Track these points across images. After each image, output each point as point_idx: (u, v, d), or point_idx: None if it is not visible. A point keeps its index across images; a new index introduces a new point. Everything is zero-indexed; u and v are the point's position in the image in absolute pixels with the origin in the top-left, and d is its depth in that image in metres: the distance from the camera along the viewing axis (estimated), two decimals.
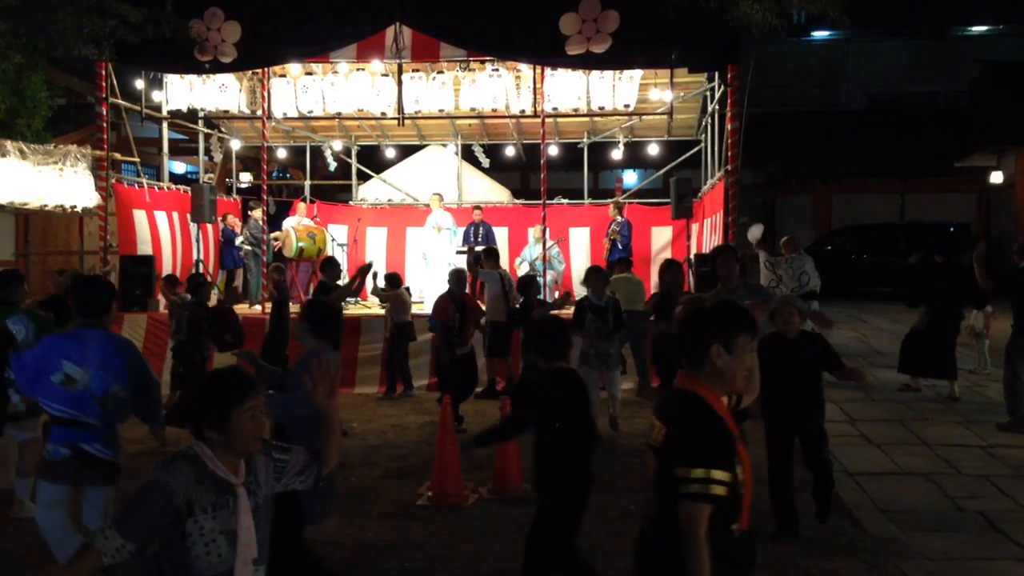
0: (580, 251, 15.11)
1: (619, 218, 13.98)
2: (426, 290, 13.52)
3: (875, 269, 20.36)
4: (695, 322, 3.05)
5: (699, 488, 2.73)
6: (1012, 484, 6.96)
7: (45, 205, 12.10)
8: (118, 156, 13.53)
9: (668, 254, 14.48)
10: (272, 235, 13.89)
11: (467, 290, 10.44)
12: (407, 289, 11.57)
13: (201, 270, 13.49)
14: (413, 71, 13.22)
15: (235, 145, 16.26)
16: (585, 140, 15.93)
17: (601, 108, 13.26)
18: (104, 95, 12.30)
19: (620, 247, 13.68)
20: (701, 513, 2.73)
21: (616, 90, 13.01)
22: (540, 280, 12.54)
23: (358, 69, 13.27)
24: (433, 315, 9.89)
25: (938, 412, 9.41)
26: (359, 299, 13.21)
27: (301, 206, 14.87)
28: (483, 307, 10.81)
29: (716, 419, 2.86)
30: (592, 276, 9.15)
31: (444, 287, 12.85)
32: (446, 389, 9.09)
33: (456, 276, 9.92)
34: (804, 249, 12.33)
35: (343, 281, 10.23)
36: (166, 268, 13.05)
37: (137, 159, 13.67)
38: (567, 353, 4.81)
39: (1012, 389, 8.77)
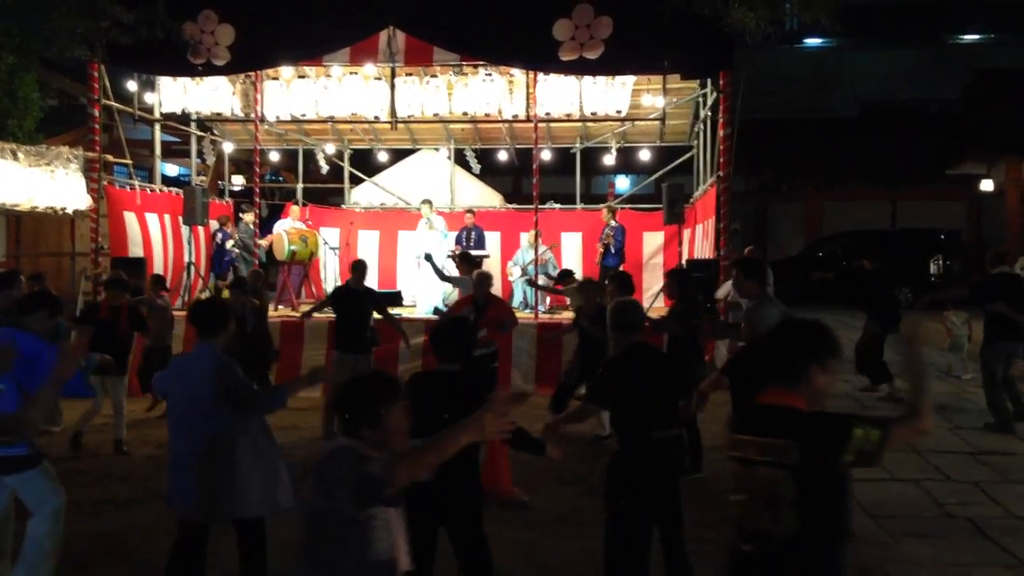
0: (573, 256, 15.11)
1: (612, 223, 13.98)
2: (419, 295, 13.50)
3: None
4: (793, 340, 3.16)
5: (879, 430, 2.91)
6: (1002, 491, 6.97)
7: (36, 207, 12.04)
8: (110, 158, 13.48)
9: (660, 259, 14.51)
10: (263, 240, 13.83)
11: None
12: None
13: (193, 273, 13.47)
14: (406, 75, 13.23)
15: (227, 148, 16.23)
16: (578, 145, 15.93)
17: (593, 113, 13.28)
18: (96, 96, 12.26)
19: (613, 252, 13.68)
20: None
21: (609, 95, 13.04)
22: (532, 283, 12.54)
23: (351, 73, 13.27)
24: (450, 309, 9.83)
25: None
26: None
27: (293, 209, 14.83)
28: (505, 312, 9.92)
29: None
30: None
31: (436, 289, 12.89)
32: None
33: (480, 278, 9.80)
34: (795, 256, 12.37)
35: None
36: (157, 270, 13.02)
37: (129, 161, 13.64)
38: (460, 355, 4.56)
39: (990, 390, 9.03)
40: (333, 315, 9.69)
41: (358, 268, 9.62)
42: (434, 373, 4.65)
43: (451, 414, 4.22)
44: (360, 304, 9.28)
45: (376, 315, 9.41)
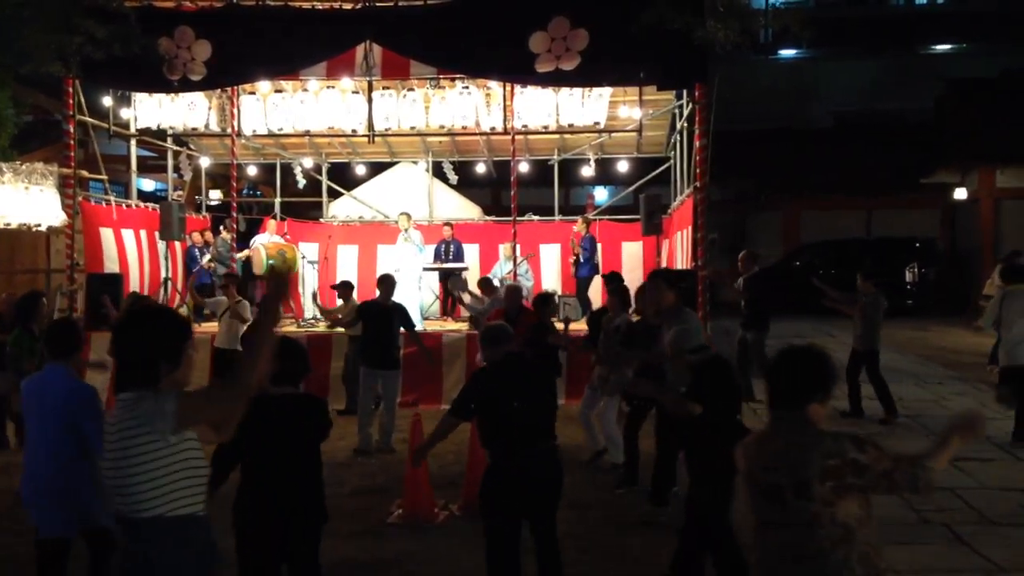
0: (550, 267, 15.15)
1: (584, 233, 14.00)
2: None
3: (844, 284, 20.54)
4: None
5: None
6: (978, 497, 7.04)
7: (9, 224, 11.95)
8: (85, 174, 13.39)
9: (639, 270, 14.55)
10: (241, 253, 13.77)
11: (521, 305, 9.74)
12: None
13: (170, 288, 13.40)
14: (383, 88, 13.25)
15: (204, 162, 16.16)
16: (555, 157, 15.99)
17: (571, 125, 13.34)
18: (71, 112, 12.16)
19: (582, 261, 13.70)
20: None
21: (585, 107, 13.11)
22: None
23: (328, 87, 13.27)
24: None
25: (904, 427, 9.52)
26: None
27: (271, 223, 14.78)
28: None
29: None
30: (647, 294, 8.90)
31: (413, 303, 12.84)
32: None
33: (509, 292, 9.76)
34: (774, 264, 12.51)
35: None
36: (133, 286, 12.94)
37: (105, 176, 13.55)
38: (294, 377, 4.25)
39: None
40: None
41: (386, 283, 9.51)
42: (274, 397, 4.14)
43: (285, 444, 4.13)
44: (389, 320, 9.24)
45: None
